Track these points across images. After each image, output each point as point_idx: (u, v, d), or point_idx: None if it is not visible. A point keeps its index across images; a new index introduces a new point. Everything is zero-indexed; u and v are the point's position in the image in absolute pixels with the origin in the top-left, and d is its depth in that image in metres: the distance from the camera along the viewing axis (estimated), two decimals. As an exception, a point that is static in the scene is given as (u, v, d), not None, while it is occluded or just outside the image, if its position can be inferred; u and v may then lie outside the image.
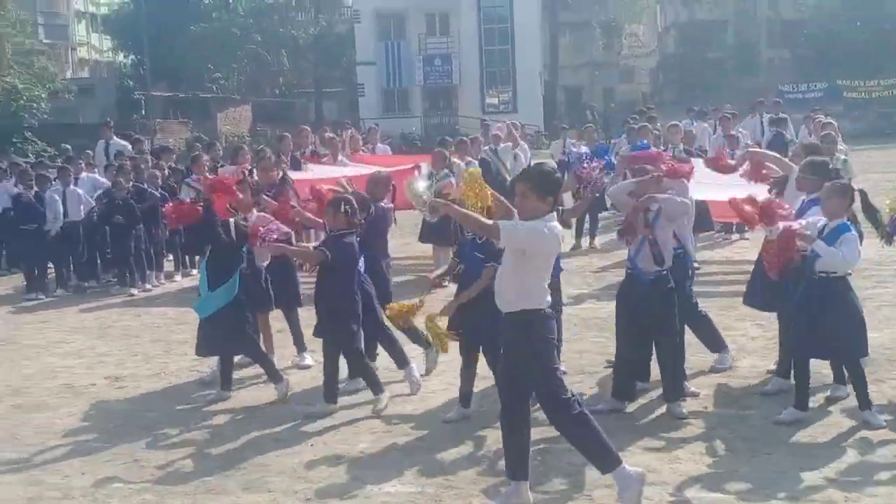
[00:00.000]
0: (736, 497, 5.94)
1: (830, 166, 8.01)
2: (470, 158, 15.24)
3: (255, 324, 8.84)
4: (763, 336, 9.54)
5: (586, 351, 9.24)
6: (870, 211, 7.34)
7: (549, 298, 5.85)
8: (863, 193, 7.32)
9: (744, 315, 10.27)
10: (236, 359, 8.89)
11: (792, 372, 7.50)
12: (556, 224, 5.75)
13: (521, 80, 54.06)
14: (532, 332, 5.76)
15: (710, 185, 11.64)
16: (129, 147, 19.30)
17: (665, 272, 7.41)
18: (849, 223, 7.05)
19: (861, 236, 7.24)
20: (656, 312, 7.43)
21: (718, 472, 6.34)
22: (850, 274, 7.13)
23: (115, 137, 19.95)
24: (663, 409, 7.61)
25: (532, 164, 16.86)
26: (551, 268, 5.93)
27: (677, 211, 7.48)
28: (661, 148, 15.71)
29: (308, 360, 9.47)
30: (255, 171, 11.56)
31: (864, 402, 7.13)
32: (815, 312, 7.05)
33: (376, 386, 8.09)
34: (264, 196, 9.65)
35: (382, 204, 9.13)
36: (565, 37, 63.27)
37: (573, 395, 5.84)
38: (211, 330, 8.47)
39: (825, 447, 6.73)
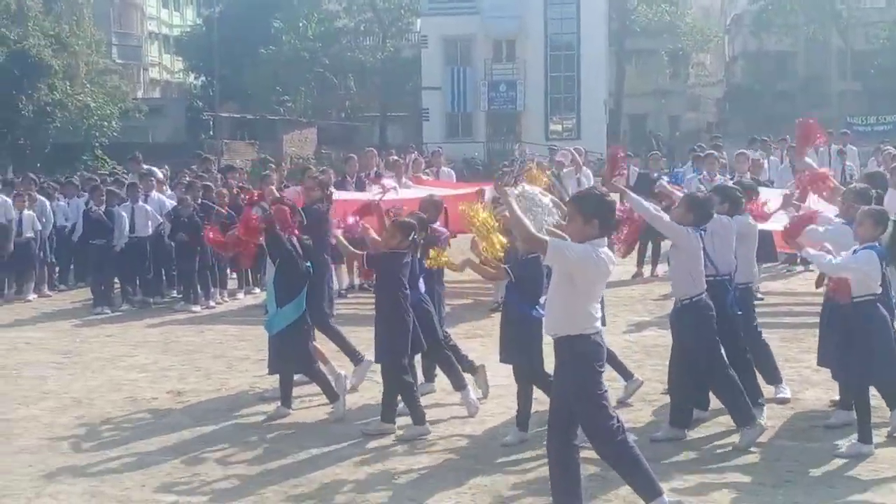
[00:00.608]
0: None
1: (873, 193, 7.97)
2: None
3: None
4: (826, 368, 9.38)
5: (647, 379, 9.16)
6: (893, 245, 7.22)
7: (598, 325, 5.78)
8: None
9: (808, 347, 10.11)
10: (296, 377, 8.94)
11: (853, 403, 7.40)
12: (606, 249, 5.67)
13: (586, 107, 53.96)
14: (578, 358, 5.67)
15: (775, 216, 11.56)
16: (159, 173, 19.19)
17: (697, 299, 7.33)
18: (878, 246, 7.00)
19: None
20: (683, 339, 7.46)
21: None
22: (874, 296, 7.03)
23: (144, 167, 19.76)
24: (727, 438, 7.52)
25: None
26: (600, 295, 5.86)
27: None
28: (728, 177, 15.63)
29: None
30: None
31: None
32: (844, 338, 7.07)
33: (417, 416, 8.02)
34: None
35: (436, 226, 9.20)
36: (632, 65, 63.11)
37: (618, 423, 5.76)
38: (280, 346, 8.58)
39: (887, 481, 6.59)
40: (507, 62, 54.51)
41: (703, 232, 7.40)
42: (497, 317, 10.01)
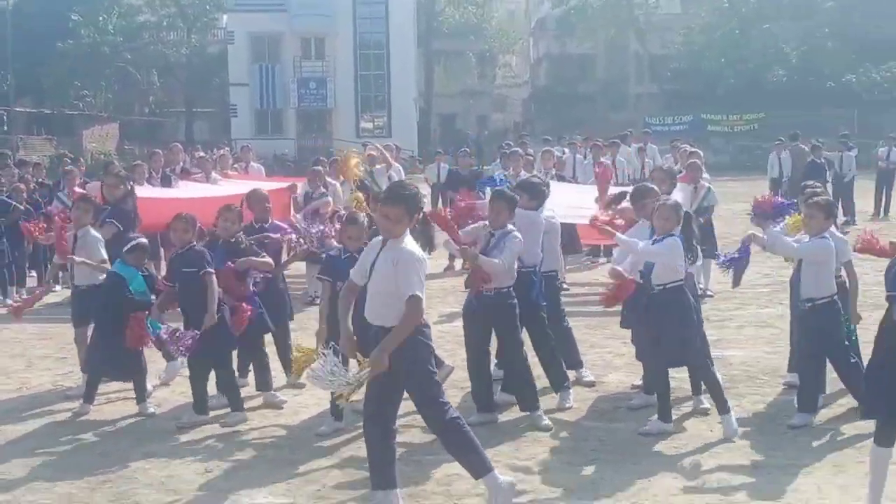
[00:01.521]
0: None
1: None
2: (344, 178, 15.21)
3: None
4: (629, 353, 9.72)
5: (459, 367, 9.31)
6: (686, 231, 7.58)
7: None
8: (688, 216, 7.63)
9: (612, 334, 10.52)
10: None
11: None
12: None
13: (396, 105, 54.34)
14: (413, 340, 5.76)
15: (578, 209, 12.00)
16: None
17: (504, 290, 7.60)
18: (675, 235, 7.40)
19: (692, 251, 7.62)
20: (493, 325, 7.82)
21: (588, 482, 6.48)
22: (681, 281, 7.40)
23: None
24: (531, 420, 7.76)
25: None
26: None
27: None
28: (534, 173, 16.05)
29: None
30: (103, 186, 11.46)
31: (721, 406, 7.40)
32: (655, 323, 7.41)
33: (237, 402, 8.07)
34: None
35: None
36: (440, 65, 63.93)
37: (447, 400, 5.90)
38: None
39: (687, 456, 6.93)
40: (316, 59, 54.27)
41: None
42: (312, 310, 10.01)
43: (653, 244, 7.42)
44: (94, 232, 9.15)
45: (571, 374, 8.69)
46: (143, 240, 8.64)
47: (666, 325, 7.33)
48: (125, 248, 8.45)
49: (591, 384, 8.84)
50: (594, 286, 14.49)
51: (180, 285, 8.03)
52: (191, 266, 7.92)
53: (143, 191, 13.43)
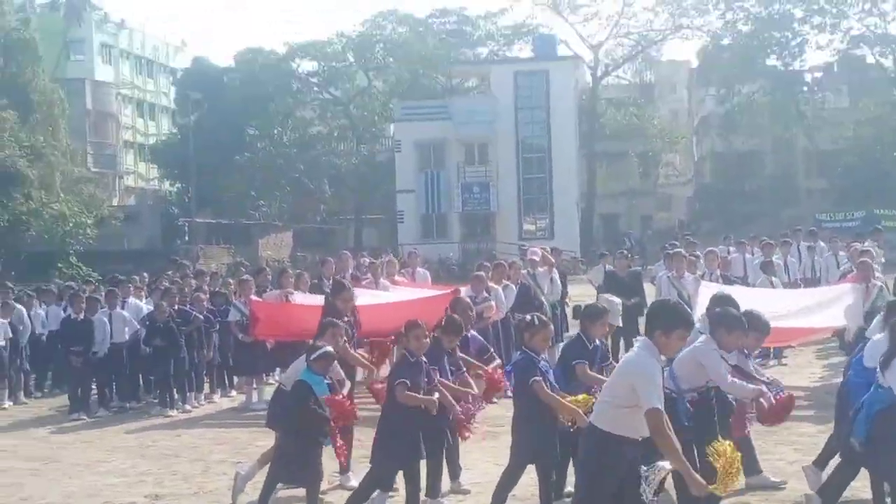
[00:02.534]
0: None
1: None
2: (507, 282, 15.46)
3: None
4: (801, 460, 9.49)
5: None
6: None
7: None
8: None
9: (782, 440, 10.26)
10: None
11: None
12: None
13: (559, 207, 54.65)
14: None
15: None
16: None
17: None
18: None
19: None
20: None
21: None
22: None
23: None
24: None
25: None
26: None
27: None
28: (699, 273, 15.92)
29: (353, 480, 9.40)
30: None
31: None
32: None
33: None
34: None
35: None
36: (602, 166, 64.09)
37: None
38: None
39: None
40: (479, 164, 55.25)
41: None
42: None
43: None
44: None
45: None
46: (330, 348, 8.82)
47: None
48: (312, 356, 8.77)
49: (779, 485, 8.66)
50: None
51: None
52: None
53: (315, 299, 13.98)
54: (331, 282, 15.96)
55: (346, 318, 10.05)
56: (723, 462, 6.11)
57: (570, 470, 7.98)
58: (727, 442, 6.14)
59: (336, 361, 8.87)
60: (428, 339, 8.31)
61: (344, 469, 9.52)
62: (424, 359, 8.23)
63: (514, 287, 15.43)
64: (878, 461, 7.16)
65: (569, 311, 16.98)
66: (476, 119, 53.72)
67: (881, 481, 7.58)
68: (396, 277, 17.51)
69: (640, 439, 5.90)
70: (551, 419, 7.56)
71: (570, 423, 7.51)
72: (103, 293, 16.42)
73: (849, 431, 7.28)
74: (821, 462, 8.38)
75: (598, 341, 8.35)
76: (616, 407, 5.89)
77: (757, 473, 8.76)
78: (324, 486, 9.08)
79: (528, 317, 8.01)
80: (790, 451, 9.97)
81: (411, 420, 7.99)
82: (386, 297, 14.55)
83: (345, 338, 9.69)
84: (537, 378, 7.53)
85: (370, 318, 11.41)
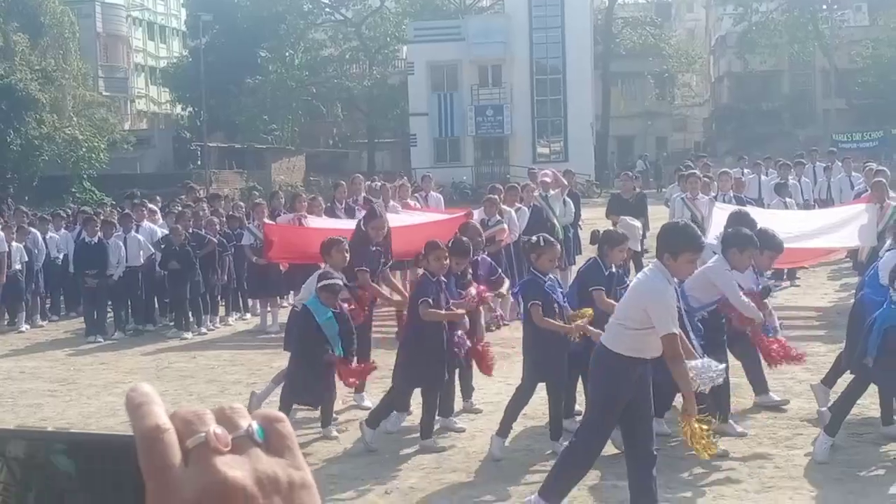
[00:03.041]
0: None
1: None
2: (520, 205, 15.41)
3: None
4: (811, 380, 9.53)
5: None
6: None
7: None
8: None
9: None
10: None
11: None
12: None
13: (573, 130, 54.27)
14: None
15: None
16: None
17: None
18: None
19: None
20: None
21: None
22: None
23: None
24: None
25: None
26: None
27: None
28: (713, 195, 15.85)
29: (367, 401, 9.56)
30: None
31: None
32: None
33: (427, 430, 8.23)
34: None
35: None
36: (618, 87, 63.51)
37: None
38: None
39: (870, 484, 6.75)
40: (493, 87, 54.84)
41: None
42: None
43: None
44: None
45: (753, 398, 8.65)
46: (337, 280, 8.85)
47: None
48: (319, 284, 8.80)
49: (782, 404, 8.72)
50: (776, 310, 14.19)
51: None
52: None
53: (328, 222, 14.03)
54: (343, 206, 16.04)
55: (374, 248, 9.97)
56: (689, 437, 6.13)
57: (580, 389, 8.04)
58: (693, 419, 6.20)
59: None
60: (447, 261, 8.32)
61: (359, 389, 9.61)
62: (444, 279, 8.27)
63: (526, 210, 15.37)
64: (888, 378, 7.19)
65: (582, 234, 16.95)
66: (490, 39, 53.16)
67: (889, 398, 7.62)
68: (409, 201, 17.50)
69: (649, 358, 5.94)
70: (560, 340, 7.59)
71: (578, 339, 7.55)
72: (117, 217, 16.48)
73: (862, 348, 7.29)
74: (829, 380, 8.42)
75: (613, 267, 8.33)
76: (628, 329, 5.91)
77: (765, 393, 8.81)
78: (338, 405, 9.20)
79: (534, 238, 7.99)
80: (800, 371, 9.98)
81: (433, 342, 8.04)
82: (399, 220, 14.56)
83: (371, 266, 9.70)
84: (536, 302, 7.55)
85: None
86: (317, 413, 8.87)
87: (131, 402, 0.81)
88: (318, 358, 8.45)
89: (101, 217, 16.92)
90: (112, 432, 0.83)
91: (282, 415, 0.82)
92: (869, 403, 7.89)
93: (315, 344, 8.46)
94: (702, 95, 74.29)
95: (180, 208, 17.58)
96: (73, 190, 40.00)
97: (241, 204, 16.39)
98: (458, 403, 9.05)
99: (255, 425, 0.80)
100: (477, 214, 14.49)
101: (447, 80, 54.92)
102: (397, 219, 14.69)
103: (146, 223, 16.45)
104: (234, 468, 0.76)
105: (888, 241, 8.86)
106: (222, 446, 0.77)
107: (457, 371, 8.70)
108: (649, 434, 6.02)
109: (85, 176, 41.69)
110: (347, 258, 9.13)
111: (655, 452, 6.01)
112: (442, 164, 51.69)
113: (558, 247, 7.95)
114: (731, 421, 7.95)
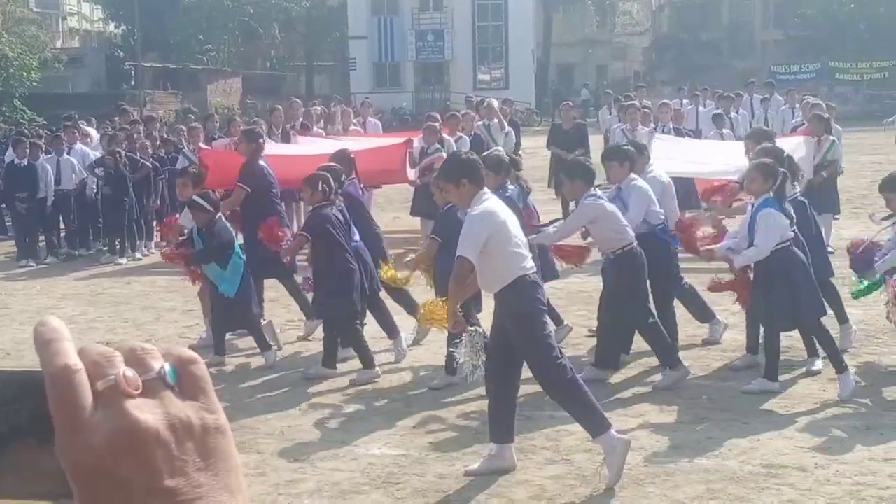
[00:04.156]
0: (712, 462, 6.11)
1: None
2: (460, 134, 15.33)
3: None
4: (742, 312, 9.69)
5: (572, 324, 9.39)
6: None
7: (528, 264, 5.98)
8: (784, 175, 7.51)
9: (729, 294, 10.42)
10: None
11: (762, 345, 7.74)
12: (488, 197, 6.04)
13: (514, 56, 54.02)
14: (519, 299, 5.90)
15: (695, 164, 11.92)
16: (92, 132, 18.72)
17: (628, 249, 7.54)
18: (771, 199, 7.27)
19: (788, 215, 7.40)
20: (614, 285, 7.74)
21: (697, 440, 6.51)
22: (787, 242, 7.27)
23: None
24: (646, 380, 7.80)
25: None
26: (513, 235, 6.02)
27: None
28: (652, 126, 15.90)
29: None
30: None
31: (837, 364, 7.29)
32: (765, 285, 7.32)
33: (367, 361, 8.19)
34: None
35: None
36: (559, 14, 63.19)
37: (565, 361, 6.00)
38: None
39: (798, 416, 6.90)
40: (434, 11, 54.27)
41: (611, 191, 7.88)
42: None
43: (752, 213, 7.30)
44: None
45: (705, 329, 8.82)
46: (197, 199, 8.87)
47: (776, 287, 7.25)
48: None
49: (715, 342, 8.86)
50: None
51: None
52: None
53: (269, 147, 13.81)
54: (280, 131, 15.80)
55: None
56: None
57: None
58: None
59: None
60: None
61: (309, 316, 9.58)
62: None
63: (467, 138, 15.30)
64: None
65: (524, 163, 16.95)
66: (431, -37, 52.50)
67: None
68: (353, 127, 17.30)
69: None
70: None
71: None
72: (44, 139, 16.10)
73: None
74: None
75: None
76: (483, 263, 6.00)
77: (712, 319, 8.94)
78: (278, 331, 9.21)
79: None
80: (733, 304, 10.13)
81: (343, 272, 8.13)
82: (336, 146, 14.39)
83: None
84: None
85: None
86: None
87: (40, 337, 0.76)
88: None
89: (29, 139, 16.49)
90: (25, 369, 0.79)
91: (195, 355, 0.79)
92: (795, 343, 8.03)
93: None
94: (642, 24, 74.16)
95: (112, 130, 17.20)
96: (3, 108, 38.95)
97: (182, 127, 16.07)
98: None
99: (167, 367, 0.77)
100: (416, 142, 14.41)
101: (387, 3, 54.21)
102: (336, 145, 14.56)
103: (79, 145, 16.09)
104: (145, 411, 0.74)
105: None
106: (132, 389, 0.74)
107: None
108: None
109: (16, 95, 40.59)
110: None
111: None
112: (382, 89, 51.24)
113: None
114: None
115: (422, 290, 8.72)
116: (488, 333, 6.32)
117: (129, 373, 0.75)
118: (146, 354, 0.77)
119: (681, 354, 8.39)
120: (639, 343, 8.01)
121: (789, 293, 7.23)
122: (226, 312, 8.75)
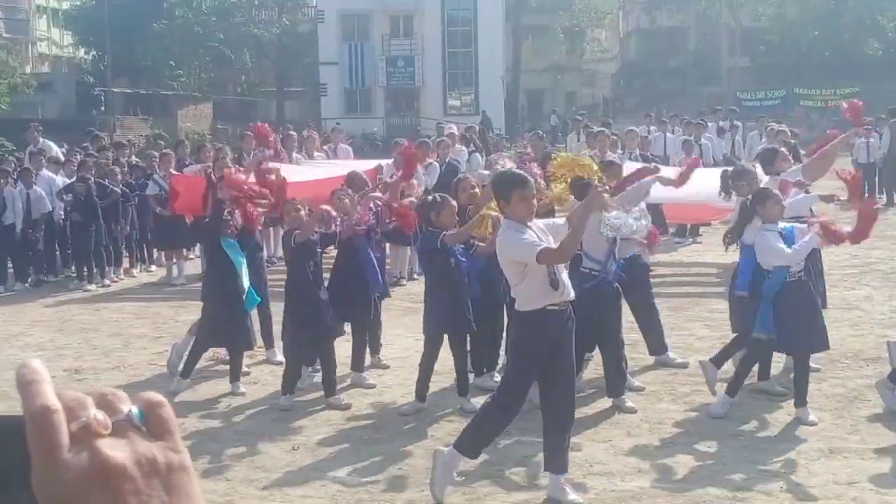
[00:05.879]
0: (677, 486, 6.18)
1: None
2: (430, 160, 15.38)
3: None
4: (710, 336, 9.81)
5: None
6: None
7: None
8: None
9: (694, 315, 10.57)
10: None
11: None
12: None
13: (484, 82, 54.30)
14: (520, 329, 6.22)
15: (666, 189, 12.02)
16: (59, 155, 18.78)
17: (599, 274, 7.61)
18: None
19: None
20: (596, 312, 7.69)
21: (663, 464, 6.59)
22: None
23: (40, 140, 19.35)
24: (609, 402, 7.88)
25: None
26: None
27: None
28: (619, 153, 16.05)
29: (279, 356, 9.49)
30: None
31: (801, 398, 7.38)
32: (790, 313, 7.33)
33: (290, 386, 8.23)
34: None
35: None
36: (528, 40, 63.65)
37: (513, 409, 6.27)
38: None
39: (763, 440, 7.00)
40: (404, 38, 54.49)
41: None
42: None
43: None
44: None
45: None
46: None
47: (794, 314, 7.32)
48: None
49: (683, 365, 8.91)
50: (678, 267, 14.52)
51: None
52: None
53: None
54: (251, 156, 15.78)
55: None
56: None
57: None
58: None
59: None
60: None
61: (269, 346, 9.61)
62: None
63: (437, 165, 15.35)
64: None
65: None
66: (401, -10, 52.75)
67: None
68: (315, 154, 17.29)
69: (559, 308, 5.98)
70: (458, 291, 7.65)
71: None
72: (13, 166, 16.01)
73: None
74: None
75: None
76: (517, 286, 5.98)
77: (664, 352, 9.00)
78: (247, 361, 9.18)
79: (430, 197, 8.09)
80: (700, 327, 10.27)
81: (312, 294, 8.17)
82: (306, 173, 14.43)
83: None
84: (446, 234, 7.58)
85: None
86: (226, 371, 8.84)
87: (22, 378, 0.84)
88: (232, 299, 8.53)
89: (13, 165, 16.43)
90: (2, 413, 0.87)
91: (162, 399, 0.86)
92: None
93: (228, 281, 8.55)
94: (611, 51, 74.78)
95: (80, 157, 17.14)
96: (-29, 134, 38.69)
97: (155, 154, 16.02)
98: (367, 360, 9.09)
99: (134, 410, 0.84)
100: (386, 168, 14.44)
101: (358, 29, 54.42)
102: (306, 172, 14.60)
103: (45, 172, 16.02)
104: (115, 449, 0.80)
105: None
106: (103, 429, 0.81)
107: (367, 326, 8.78)
108: (568, 393, 6.10)
109: (-17, 120, 40.36)
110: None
111: (572, 413, 6.09)
112: (352, 114, 51.31)
113: (453, 202, 7.94)
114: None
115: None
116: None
117: (100, 415, 0.82)
118: (115, 398, 0.85)
119: (649, 377, 8.52)
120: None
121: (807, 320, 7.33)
122: (226, 325, 8.58)
